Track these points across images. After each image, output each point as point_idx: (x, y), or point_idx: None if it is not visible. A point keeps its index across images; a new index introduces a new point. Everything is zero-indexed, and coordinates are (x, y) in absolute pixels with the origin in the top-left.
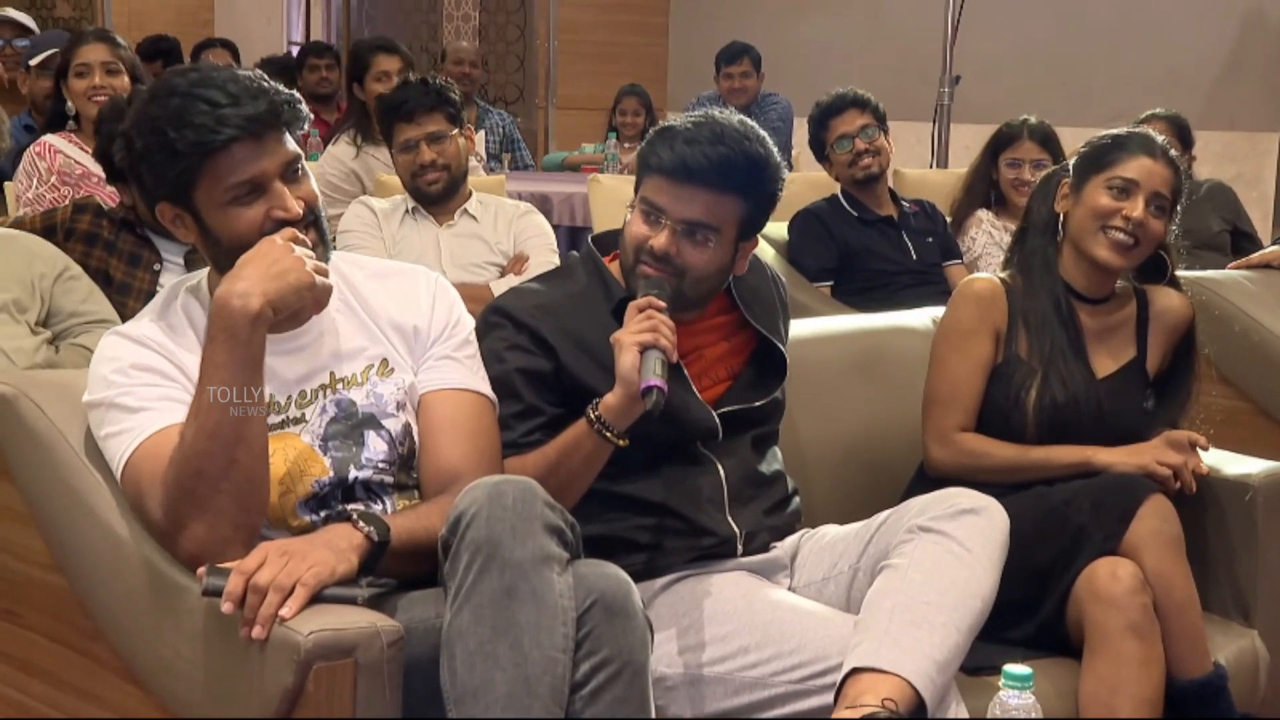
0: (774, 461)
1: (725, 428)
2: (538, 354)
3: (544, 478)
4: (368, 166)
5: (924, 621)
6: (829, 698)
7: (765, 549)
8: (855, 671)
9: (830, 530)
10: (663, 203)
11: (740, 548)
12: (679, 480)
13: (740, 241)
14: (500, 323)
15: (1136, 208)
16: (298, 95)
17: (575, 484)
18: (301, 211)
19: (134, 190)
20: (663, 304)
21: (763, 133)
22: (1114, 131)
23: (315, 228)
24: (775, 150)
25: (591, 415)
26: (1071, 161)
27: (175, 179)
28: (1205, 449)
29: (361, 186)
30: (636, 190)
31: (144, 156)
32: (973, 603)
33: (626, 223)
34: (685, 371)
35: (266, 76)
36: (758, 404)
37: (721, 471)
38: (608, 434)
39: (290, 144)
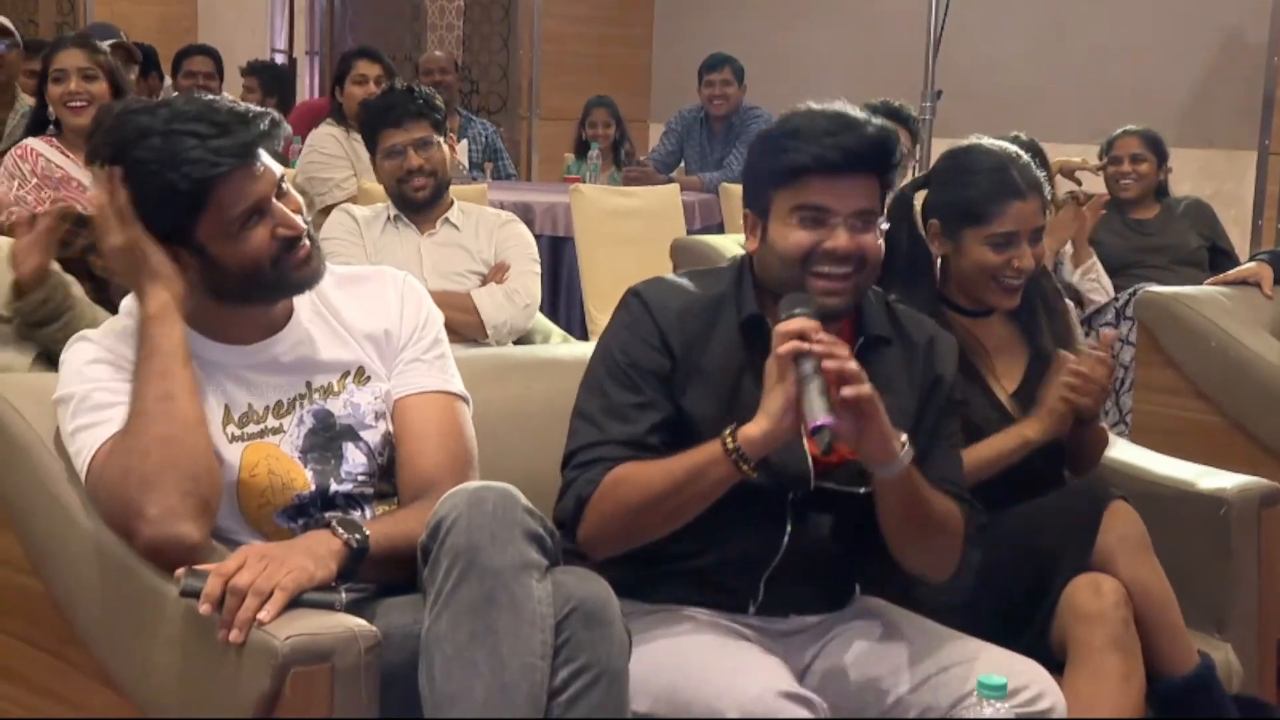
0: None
1: (814, 499)
2: (661, 353)
3: (666, 494)
4: (355, 151)
5: None
6: None
7: (783, 616)
8: None
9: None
10: (825, 202)
11: (753, 608)
12: (737, 533)
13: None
14: (640, 312)
15: (1025, 257)
16: (275, 113)
17: (693, 507)
18: (304, 225)
19: None
20: (815, 323)
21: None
22: (973, 161)
23: (308, 235)
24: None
25: (729, 444)
26: (925, 195)
27: (177, 218)
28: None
29: (350, 164)
30: (765, 206)
31: (140, 203)
32: None
33: (771, 239)
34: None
35: (234, 100)
36: (860, 490)
37: (786, 541)
38: (744, 465)
39: (273, 162)
